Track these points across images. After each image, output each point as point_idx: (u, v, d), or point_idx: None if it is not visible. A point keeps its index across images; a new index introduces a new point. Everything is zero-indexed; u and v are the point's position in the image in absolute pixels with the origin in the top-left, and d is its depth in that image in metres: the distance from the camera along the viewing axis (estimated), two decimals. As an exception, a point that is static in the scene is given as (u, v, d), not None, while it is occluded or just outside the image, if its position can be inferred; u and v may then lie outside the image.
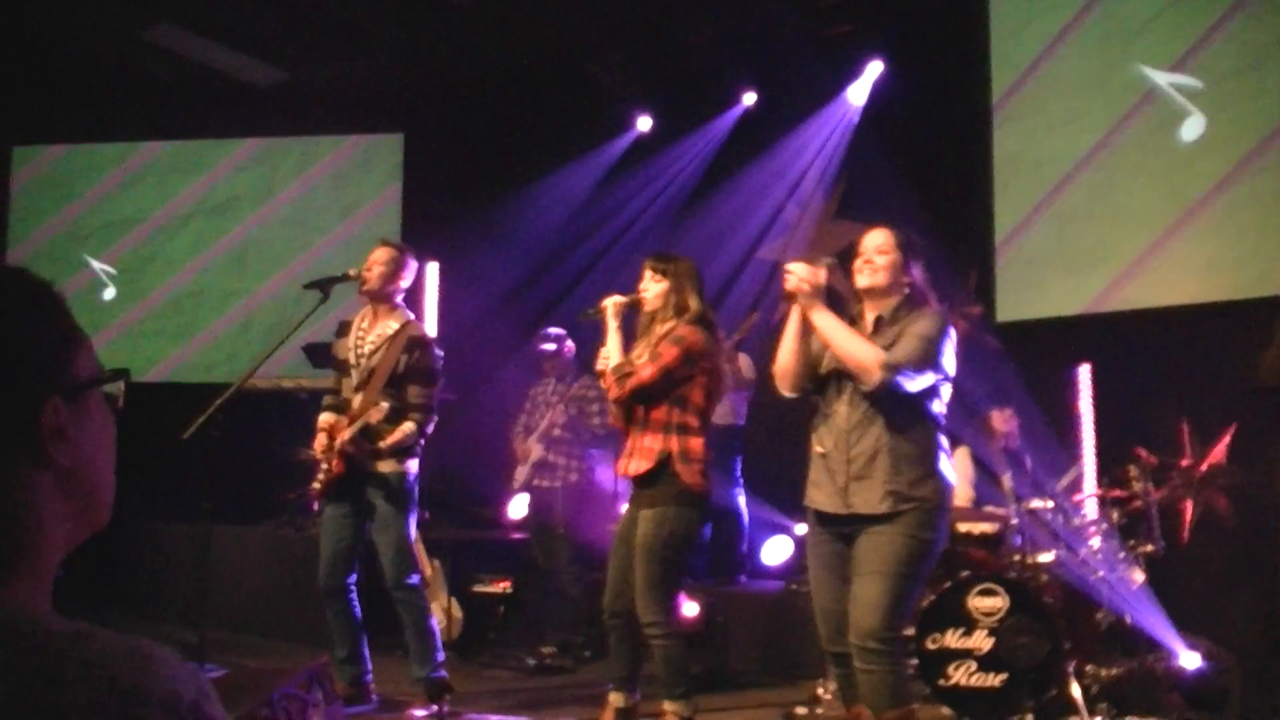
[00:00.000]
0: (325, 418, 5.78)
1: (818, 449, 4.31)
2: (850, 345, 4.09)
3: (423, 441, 5.76)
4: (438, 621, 6.99)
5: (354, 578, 5.76)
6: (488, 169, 10.32)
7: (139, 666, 1.00)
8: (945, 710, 5.71)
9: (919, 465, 4.12)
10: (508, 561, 8.06)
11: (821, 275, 4.23)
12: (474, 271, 9.25)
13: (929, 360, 4.09)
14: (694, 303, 5.08)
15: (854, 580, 4.11)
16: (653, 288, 5.11)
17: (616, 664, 5.21)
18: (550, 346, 7.64)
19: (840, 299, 4.39)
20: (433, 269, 8.97)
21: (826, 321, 4.12)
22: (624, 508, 5.23)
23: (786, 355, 4.35)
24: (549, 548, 7.70)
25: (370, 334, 5.78)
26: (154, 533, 9.02)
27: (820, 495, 4.27)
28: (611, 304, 5.12)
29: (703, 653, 6.63)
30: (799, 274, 4.21)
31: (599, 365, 5.18)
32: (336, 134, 10.78)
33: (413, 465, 5.70)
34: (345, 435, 5.55)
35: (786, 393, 4.41)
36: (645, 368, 4.92)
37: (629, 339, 5.19)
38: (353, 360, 5.76)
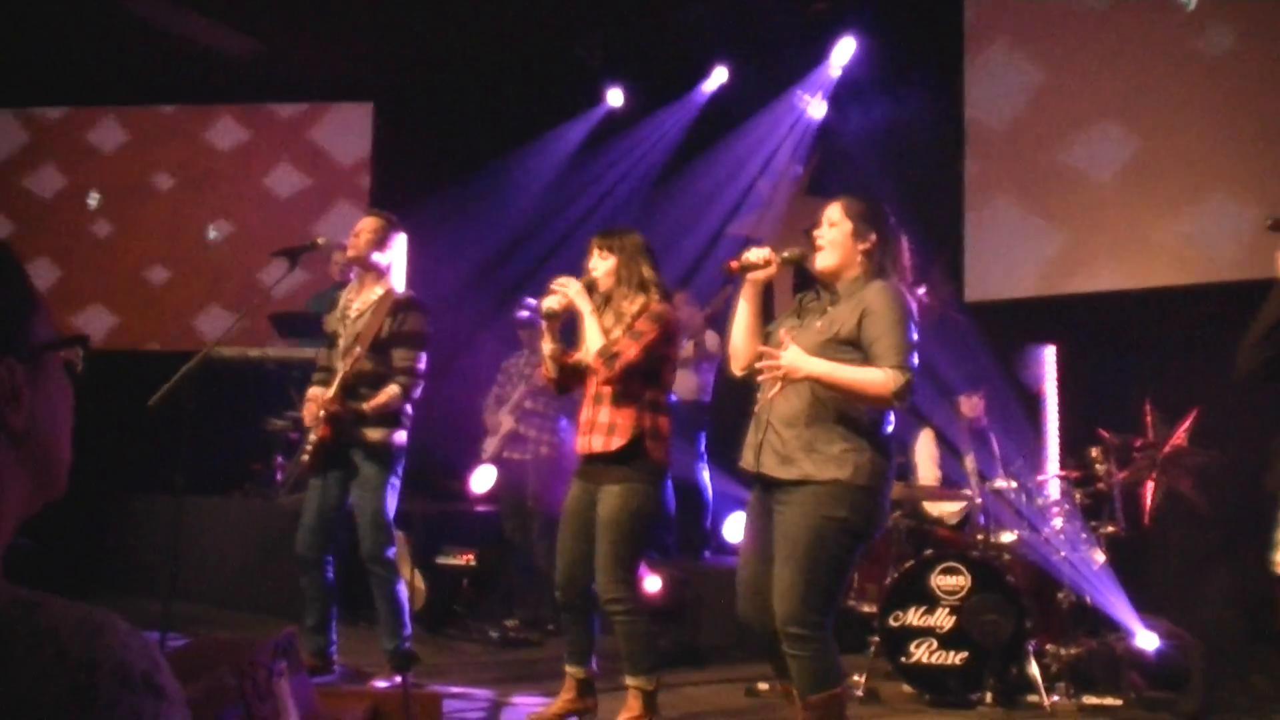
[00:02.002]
0: (313, 391, 5.76)
1: (757, 407, 4.25)
2: (859, 382, 3.88)
3: (410, 411, 5.70)
4: (403, 594, 6.99)
5: (332, 550, 5.74)
6: (460, 140, 10.25)
7: (90, 636, 0.97)
8: (906, 687, 5.77)
9: (843, 440, 3.96)
10: (473, 534, 8.03)
11: (772, 256, 4.15)
12: (446, 243, 9.21)
13: (910, 340, 3.94)
14: (650, 275, 5.02)
15: (775, 561, 4.02)
16: (601, 265, 5.04)
17: (571, 639, 5.19)
18: (526, 314, 7.58)
19: (810, 277, 4.34)
20: (402, 239, 8.90)
21: (824, 369, 3.90)
22: (573, 483, 5.13)
23: (741, 334, 4.28)
24: (519, 520, 7.68)
25: (356, 301, 5.76)
26: (124, 503, 8.97)
27: (749, 453, 4.19)
28: (575, 291, 4.97)
29: (671, 628, 6.65)
30: (752, 256, 4.17)
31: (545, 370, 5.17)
32: (307, 102, 10.70)
33: (400, 436, 5.65)
34: (328, 396, 5.53)
35: (739, 371, 4.32)
36: (630, 347, 4.82)
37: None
38: (341, 330, 5.73)
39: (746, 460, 4.22)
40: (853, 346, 3.97)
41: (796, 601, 3.91)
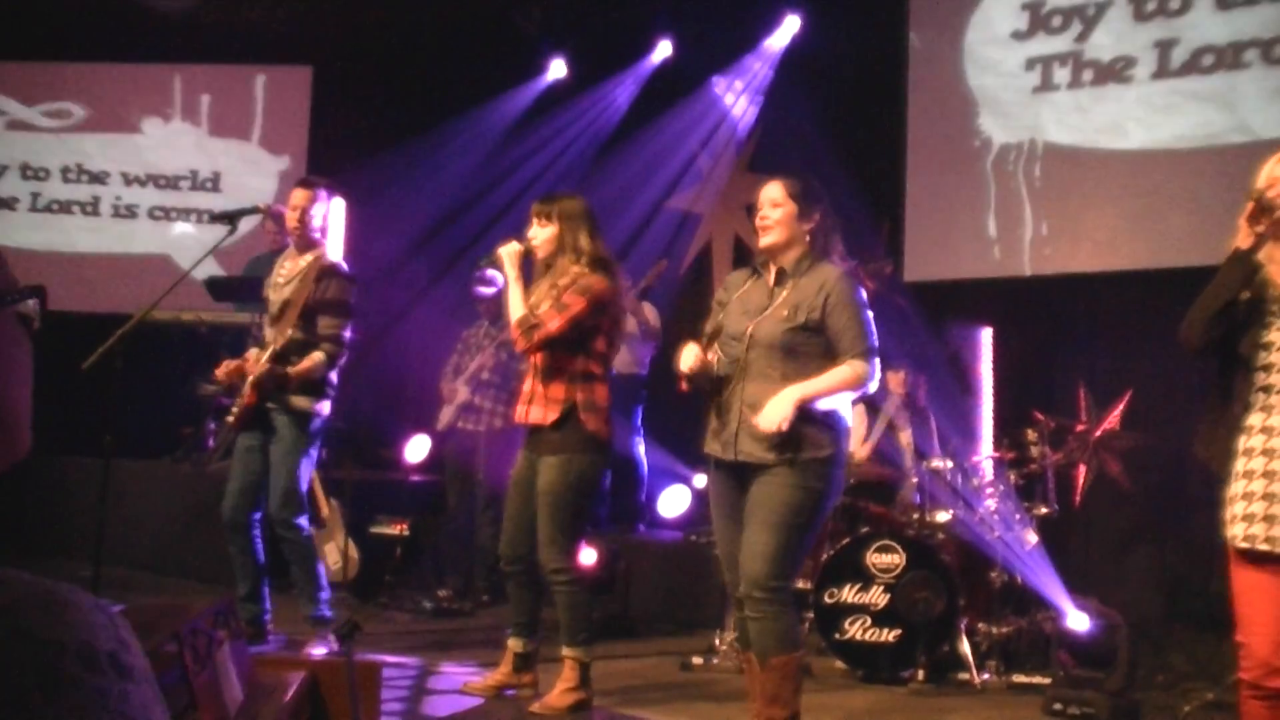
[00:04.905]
0: (252, 352, 5.83)
1: (723, 395, 4.32)
2: (838, 386, 4.12)
3: (335, 382, 5.73)
4: (335, 562, 6.94)
5: (259, 514, 5.75)
6: (398, 108, 10.15)
7: (53, 615, 0.92)
8: (839, 664, 5.81)
9: (815, 419, 4.11)
10: (406, 504, 7.99)
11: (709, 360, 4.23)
12: (384, 211, 9.10)
13: (871, 325, 4.18)
14: (587, 243, 5.00)
15: (745, 529, 4.15)
16: (540, 233, 5.03)
17: (516, 610, 5.22)
18: (486, 290, 7.49)
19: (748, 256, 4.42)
20: (340, 205, 8.80)
21: (809, 389, 4.06)
22: (520, 454, 5.18)
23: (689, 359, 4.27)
24: (464, 490, 7.62)
25: (288, 270, 5.75)
26: (51, 466, 8.81)
27: (715, 443, 4.29)
28: (508, 253, 5.01)
29: (603, 600, 6.66)
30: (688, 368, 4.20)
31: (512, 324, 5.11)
32: (244, 64, 10.53)
33: (324, 407, 5.69)
34: (258, 363, 5.53)
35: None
36: (552, 319, 4.85)
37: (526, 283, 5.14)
38: (272, 298, 5.73)
39: (714, 449, 4.31)
40: (814, 332, 4.14)
41: (769, 564, 4.05)
